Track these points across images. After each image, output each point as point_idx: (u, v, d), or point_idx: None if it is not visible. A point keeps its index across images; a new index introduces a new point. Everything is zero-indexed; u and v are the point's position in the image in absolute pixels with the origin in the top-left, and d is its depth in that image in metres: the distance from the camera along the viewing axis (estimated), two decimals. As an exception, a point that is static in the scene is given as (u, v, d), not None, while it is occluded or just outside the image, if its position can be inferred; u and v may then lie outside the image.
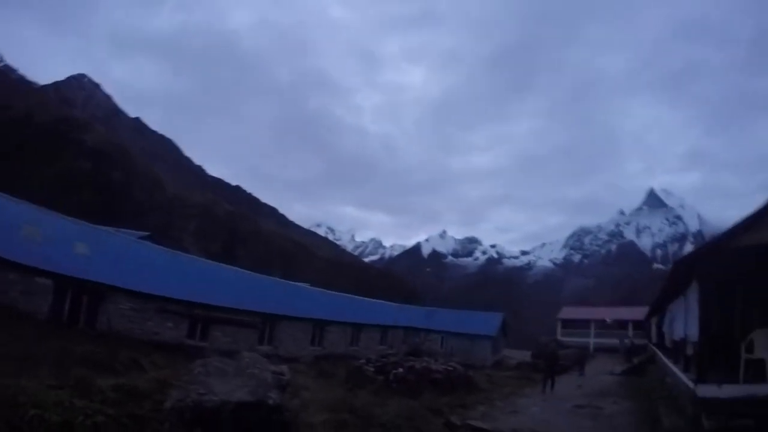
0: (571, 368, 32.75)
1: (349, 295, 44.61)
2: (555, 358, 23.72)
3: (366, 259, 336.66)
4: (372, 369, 19.62)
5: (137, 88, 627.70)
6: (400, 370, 19.40)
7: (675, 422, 11.76)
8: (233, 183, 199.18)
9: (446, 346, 43.08)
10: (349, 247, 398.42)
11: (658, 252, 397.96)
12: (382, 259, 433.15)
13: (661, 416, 12.96)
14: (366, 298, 47.71)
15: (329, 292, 41.46)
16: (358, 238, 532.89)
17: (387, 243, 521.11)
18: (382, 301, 50.80)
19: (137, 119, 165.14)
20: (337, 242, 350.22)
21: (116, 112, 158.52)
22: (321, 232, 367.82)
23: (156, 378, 9.88)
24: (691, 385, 11.59)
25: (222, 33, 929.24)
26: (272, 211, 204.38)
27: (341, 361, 26.67)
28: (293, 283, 39.57)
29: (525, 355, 46.71)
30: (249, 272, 34.44)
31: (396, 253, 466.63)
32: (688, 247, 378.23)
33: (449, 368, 21.38)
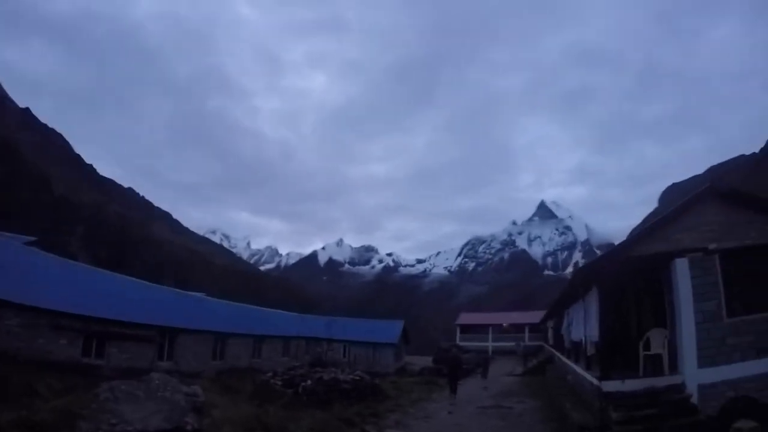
0: (473, 371, 33.68)
1: (250, 306, 43.24)
2: (459, 362, 23.93)
3: (262, 267, 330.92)
4: (280, 382, 19.02)
5: (27, 75, 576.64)
6: (309, 382, 18.97)
7: (583, 417, 12.34)
8: (125, 184, 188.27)
9: (349, 355, 42.82)
10: (245, 255, 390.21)
11: (549, 260, 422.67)
12: (278, 267, 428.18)
13: (568, 412, 13.54)
14: (267, 309, 46.44)
15: (230, 302, 40.03)
16: (254, 246, 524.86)
17: (283, 251, 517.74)
18: (283, 312, 49.58)
19: (26, 110, 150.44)
20: (233, 249, 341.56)
21: (2, 100, 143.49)
22: (216, 238, 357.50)
23: (58, 408, 8.88)
24: (596, 381, 12.28)
25: (124, 22, 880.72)
26: (166, 216, 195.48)
27: (245, 375, 25.64)
28: (192, 293, 37.75)
29: (426, 361, 47.28)
30: (146, 283, 32.28)
31: (292, 261, 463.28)
32: (577, 255, 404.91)
33: (356, 378, 21.20)
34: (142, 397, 8.06)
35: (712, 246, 12.09)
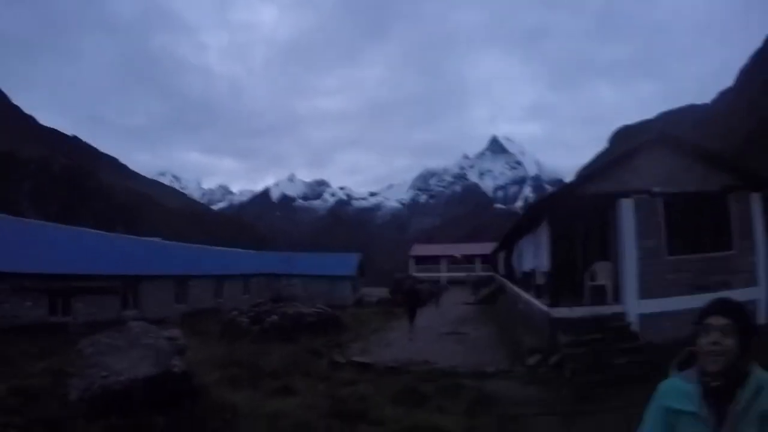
0: (428, 301, 35.06)
1: (209, 246, 43.21)
2: (416, 293, 24.68)
3: (214, 207, 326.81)
4: (246, 320, 19.60)
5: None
6: (275, 317, 19.66)
7: (534, 341, 13.56)
8: (69, 133, 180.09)
9: (308, 289, 43.20)
10: (197, 195, 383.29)
11: (499, 193, 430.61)
12: (231, 205, 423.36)
13: (521, 336, 14.76)
14: (226, 248, 46.50)
15: (187, 245, 39.93)
16: (205, 185, 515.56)
17: (235, 189, 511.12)
18: (241, 250, 49.74)
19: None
20: (184, 191, 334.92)
21: None
22: (166, 181, 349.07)
23: (46, 369, 9.13)
24: (546, 308, 13.44)
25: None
26: (113, 162, 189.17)
27: (210, 316, 26.01)
28: (150, 239, 37.31)
29: (382, 292, 48.47)
30: (103, 233, 31.79)
31: (245, 198, 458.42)
32: (527, 190, 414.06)
33: (319, 311, 22.04)
34: (125, 347, 8.25)
35: (656, 189, 13.13)
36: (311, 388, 10.83)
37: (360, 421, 8.29)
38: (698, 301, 7.83)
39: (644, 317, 12.37)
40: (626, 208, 13.11)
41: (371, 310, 33.67)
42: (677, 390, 2.22)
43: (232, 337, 17.81)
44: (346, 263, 48.49)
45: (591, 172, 14.73)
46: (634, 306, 12.61)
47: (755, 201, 13.83)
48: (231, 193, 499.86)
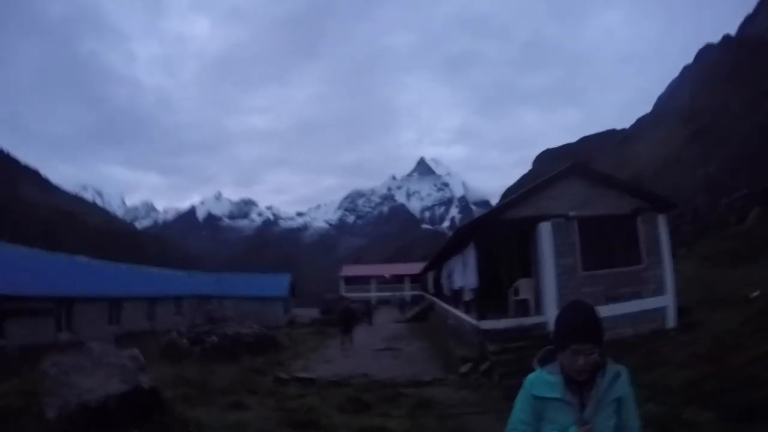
0: (360, 320, 35.89)
1: (141, 267, 42.36)
2: (352, 313, 25.31)
3: (138, 225, 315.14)
4: (186, 341, 19.80)
5: None
6: (214, 338, 19.95)
7: (465, 351, 14.81)
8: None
9: (240, 310, 42.47)
10: (120, 212, 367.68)
11: (426, 214, 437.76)
12: (155, 223, 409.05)
13: (452, 349, 16.02)
14: (156, 269, 45.61)
15: (119, 265, 38.98)
16: (129, 202, 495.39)
17: (160, 206, 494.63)
18: (171, 271, 48.92)
19: None
20: (106, 207, 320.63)
21: None
22: (88, 196, 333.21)
23: (9, 391, 9.32)
24: (474, 322, 14.80)
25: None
26: (34, 175, 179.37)
27: (143, 338, 25.77)
28: (83, 258, 36.10)
29: (313, 313, 48.59)
30: (35, 250, 30.61)
31: (170, 216, 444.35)
32: (453, 211, 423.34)
33: (257, 331, 22.50)
34: (89, 367, 8.51)
35: (571, 213, 14.88)
36: (261, 403, 11.46)
37: (312, 428, 9.08)
38: (611, 309, 9.60)
39: (562, 326, 13.86)
40: (545, 230, 14.71)
41: (305, 331, 34.00)
42: (543, 381, 2.60)
43: (173, 358, 17.95)
44: (278, 284, 48.55)
45: (513, 199, 16.38)
46: (554, 316, 14.09)
47: (661, 221, 15.87)
48: (155, 210, 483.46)
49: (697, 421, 7.03)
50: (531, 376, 2.67)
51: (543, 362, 2.67)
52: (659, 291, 15.29)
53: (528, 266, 16.07)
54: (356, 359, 18.19)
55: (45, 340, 20.84)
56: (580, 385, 2.52)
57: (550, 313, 14.18)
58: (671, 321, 15.00)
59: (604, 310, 13.74)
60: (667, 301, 15.27)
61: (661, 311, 15.10)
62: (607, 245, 15.38)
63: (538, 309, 14.76)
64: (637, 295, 14.83)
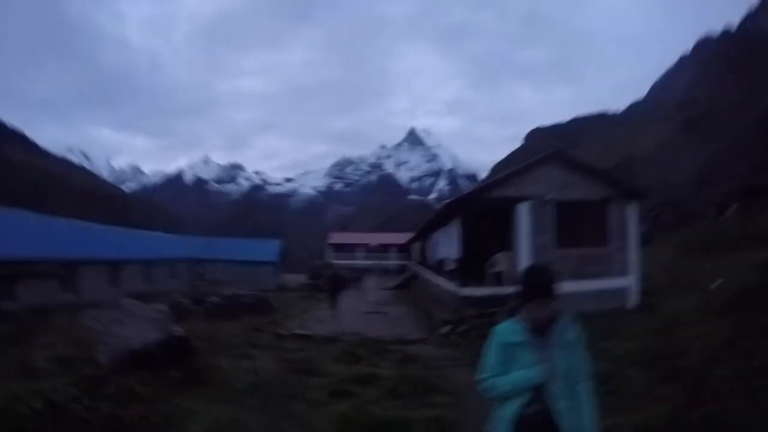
0: (348, 286, 37.36)
1: (140, 231, 43.34)
2: (341, 279, 25.94)
3: (125, 188, 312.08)
4: (189, 301, 21.25)
5: None
6: (216, 298, 21.46)
7: (446, 315, 16.57)
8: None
9: (231, 274, 43.57)
10: (106, 175, 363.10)
11: (415, 185, 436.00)
12: (142, 186, 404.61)
13: (434, 313, 17.72)
14: (152, 233, 46.53)
15: (118, 229, 39.94)
16: (116, 165, 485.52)
17: (147, 169, 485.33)
18: (164, 234, 49.87)
19: None
20: (93, 170, 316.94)
21: None
22: (74, 158, 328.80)
23: (60, 343, 10.57)
24: (456, 289, 16.43)
25: None
26: (21, 137, 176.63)
27: (144, 300, 26.95)
28: (83, 222, 36.95)
29: (300, 279, 49.14)
30: (41, 216, 31.54)
31: (157, 180, 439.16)
32: (442, 183, 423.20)
33: (253, 293, 24.02)
34: (126, 320, 9.81)
35: (548, 196, 16.52)
36: (265, 355, 13.01)
37: (312, 374, 10.64)
38: (580, 285, 11.52)
39: (535, 296, 15.57)
40: (523, 210, 16.35)
41: (294, 295, 35.33)
42: (510, 330, 3.12)
43: (178, 316, 19.28)
44: (268, 249, 49.84)
45: (496, 180, 18.06)
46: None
47: (630, 209, 17.62)
48: (142, 173, 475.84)
49: (634, 377, 8.64)
50: (498, 326, 3.22)
51: (509, 316, 3.23)
52: (623, 273, 17.05)
53: (507, 241, 17.69)
54: (348, 320, 19.61)
55: (52, 302, 21.77)
56: (539, 331, 3.08)
57: (525, 284, 15.90)
58: (633, 300, 16.76)
59: (572, 286, 15.47)
60: (630, 282, 17.04)
61: (623, 291, 16.87)
62: (579, 227, 17.03)
63: (514, 280, 16.43)
64: (603, 275, 16.53)
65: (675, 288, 17.48)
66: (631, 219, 17.58)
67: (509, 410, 3.04)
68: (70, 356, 9.31)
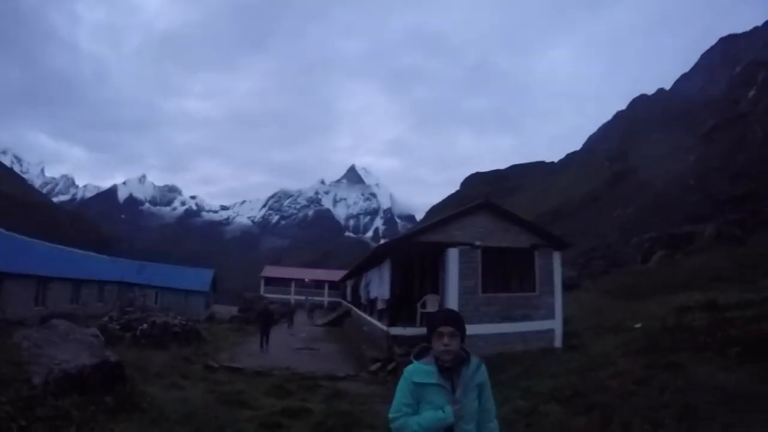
0: (279, 322, 37.29)
1: (69, 249, 41.52)
2: (271, 314, 25.99)
3: (55, 199, 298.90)
4: (117, 326, 20.88)
5: None
6: (145, 326, 21.17)
7: (375, 353, 17.14)
8: None
9: (161, 301, 43.06)
10: (38, 183, 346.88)
11: (351, 222, 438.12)
12: (73, 199, 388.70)
13: (365, 351, 18.26)
14: (82, 252, 44.81)
15: (49, 244, 38.43)
16: (49, 173, 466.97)
17: (80, 182, 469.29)
18: (97, 255, 48.11)
19: None
20: (24, 175, 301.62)
21: None
22: (6, 161, 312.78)
23: None
24: (385, 328, 17.15)
25: None
26: None
27: (71, 322, 26.11)
28: (11, 233, 35.35)
29: (231, 310, 48.57)
30: None
31: (89, 194, 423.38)
32: (378, 222, 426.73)
33: (183, 323, 23.77)
34: (59, 342, 9.79)
35: (477, 243, 17.57)
36: (195, 386, 13.10)
37: (243, 406, 10.93)
38: (504, 327, 12.59)
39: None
40: (452, 255, 17.27)
41: (225, 327, 34.82)
42: (421, 370, 3.18)
43: (107, 342, 19.01)
44: (201, 278, 48.95)
45: (428, 226, 18.95)
46: (455, 330, 16.68)
47: (555, 257, 18.88)
48: (75, 186, 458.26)
49: (550, 413, 9.42)
50: (410, 367, 3.29)
51: (418, 357, 3.33)
52: (549, 316, 18.12)
53: (436, 283, 18.58)
54: (277, 355, 19.88)
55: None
56: (450, 372, 3.18)
57: (452, 326, 16.76)
58: (558, 341, 17.81)
59: (499, 328, 16.56)
60: (555, 324, 18.13)
61: (549, 333, 17.89)
62: (506, 273, 18.13)
63: (442, 322, 17.26)
64: (529, 318, 17.51)
65: (600, 330, 18.81)
66: (556, 266, 18.83)
67: None
68: (3, 376, 9.32)
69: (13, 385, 8.76)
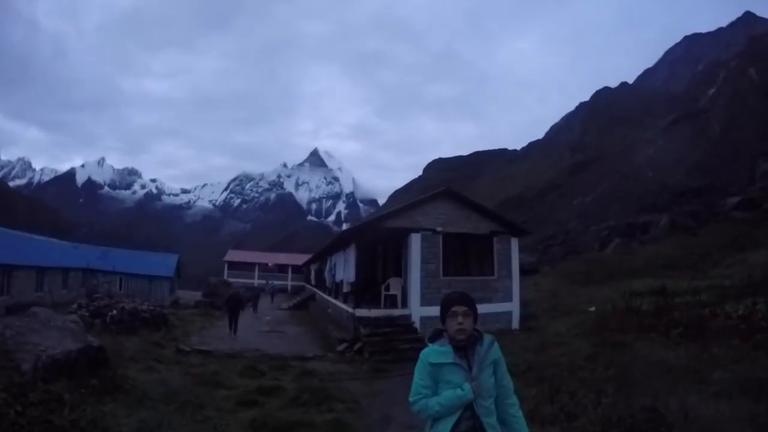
0: (245, 306, 37.62)
1: (32, 235, 40.76)
2: (239, 299, 25.71)
3: (11, 183, 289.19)
4: (87, 313, 21.07)
5: None
6: (114, 312, 21.43)
7: (342, 334, 18.00)
8: None
9: (127, 287, 42.41)
10: None
11: (313, 206, 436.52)
12: (30, 183, 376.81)
13: (331, 332, 19.09)
14: (44, 238, 43.82)
15: (11, 231, 37.65)
16: (4, 156, 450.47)
17: (37, 165, 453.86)
18: (59, 241, 47.22)
19: None
20: None
21: None
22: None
23: None
24: (351, 309, 18.01)
25: None
26: None
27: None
28: None
29: (194, 295, 48.09)
30: None
31: (47, 177, 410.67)
32: (341, 206, 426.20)
33: (152, 309, 24.08)
34: (41, 329, 10.19)
35: (438, 228, 18.57)
36: (169, 369, 13.66)
37: (219, 386, 11.58)
38: None
39: (424, 318, 17.35)
40: (415, 240, 18.19)
41: (190, 311, 34.91)
42: (436, 351, 3.26)
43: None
44: (166, 263, 48.56)
45: (392, 211, 19.80)
46: (417, 310, 17.73)
47: (513, 243, 20.05)
48: (32, 169, 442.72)
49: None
50: (425, 350, 3.34)
51: (432, 340, 3.38)
52: (507, 299, 19.31)
53: (399, 267, 19.49)
54: (246, 338, 20.40)
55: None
56: (464, 351, 3.23)
57: (414, 307, 17.68)
58: (515, 323, 19.02)
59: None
60: (512, 307, 19.35)
61: (507, 315, 19.06)
62: (465, 257, 19.17)
63: (404, 303, 18.21)
64: (488, 300, 18.35)
65: (556, 312, 20.03)
66: (514, 251, 19.98)
67: (442, 429, 3.16)
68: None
69: (3, 372, 9.28)
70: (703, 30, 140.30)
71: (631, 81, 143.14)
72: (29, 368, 9.07)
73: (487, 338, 3.34)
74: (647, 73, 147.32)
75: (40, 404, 7.78)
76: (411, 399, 3.26)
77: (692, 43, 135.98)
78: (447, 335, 3.28)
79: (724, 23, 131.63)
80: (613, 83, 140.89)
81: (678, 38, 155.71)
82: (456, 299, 3.30)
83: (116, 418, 7.97)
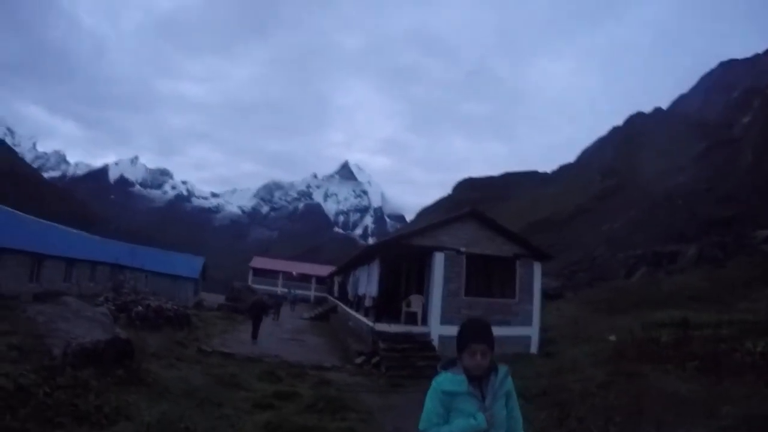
0: (269, 313, 37.93)
1: (63, 227, 41.81)
2: (263, 304, 25.94)
3: (46, 175, 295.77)
4: (113, 307, 21.53)
5: None
6: (140, 308, 21.87)
7: (361, 347, 18.11)
8: None
9: (151, 285, 42.30)
10: (29, 157, 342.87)
11: (341, 218, 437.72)
12: (63, 176, 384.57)
13: (350, 344, 19.24)
14: (77, 231, 44.93)
15: (43, 221, 38.48)
16: (40, 148, 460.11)
17: (72, 159, 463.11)
18: (89, 235, 48.28)
19: None
20: (15, 148, 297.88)
21: None
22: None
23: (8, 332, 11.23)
24: (371, 323, 18.11)
25: None
26: None
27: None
28: (5, 208, 34.76)
29: (218, 298, 48.74)
30: None
31: (80, 172, 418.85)
32: (368, 219, 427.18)
33: (176, 308, 24.50)
34: (72, 317, 10.58)
35: (462, 249, 18.61)
36: (190, 367, 13.96)
37: (237, 388, 11.82)
38: None
39: (442, 337, 17.37)
40: (438, 259, 18.30)
41: (214, 314, 35.42)
42: (450, 380, 3.19)
43: (104, 321, 19.80)
44: (192, 265, 49.40)
45: (417, 230, 20.04)
46: (436, 329, 17.77)
47: (536, 267, 19.96)
48: (66, 162, 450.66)
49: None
50: (438, 377, 3.26)
51: (445, 367, 3.31)
52: (526, 322, 19.18)
53: (422, 284, 19.61)
54: (266, 344, 20.62)
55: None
56: (479, 381, 3.18)
57: (434, 325, 17.75)
58: (534, 348, 18.83)
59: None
60: (532, 331, 19.19)
61: (526, 339, 18.89)
62: (487, 279, 19.26)
63: (424, 321, 18.30)
64: (507, 324, 18.36)
65: (575, 339, 19.73)
66: (537, 276, 19.89)
67: None
68: (25, 347, 10.14)
69: (34, 355, 9.68)
70: (739, 56, 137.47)
71: (665, 106, 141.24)
72: (59, 353, 9.49)
73: (502, 369, 3.30)
74: (681, 99, 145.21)
75: (68, 388, 8.15)
76: (421, 427, 3.21)
77: (727, 69, 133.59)
78: (461, 365, 3.23)
79: (760, 49, 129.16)
80: (647, 108, 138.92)
81: (713, 64, 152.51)
82: (475, 336, 3.21)
83: (139, 408, 8.26)
